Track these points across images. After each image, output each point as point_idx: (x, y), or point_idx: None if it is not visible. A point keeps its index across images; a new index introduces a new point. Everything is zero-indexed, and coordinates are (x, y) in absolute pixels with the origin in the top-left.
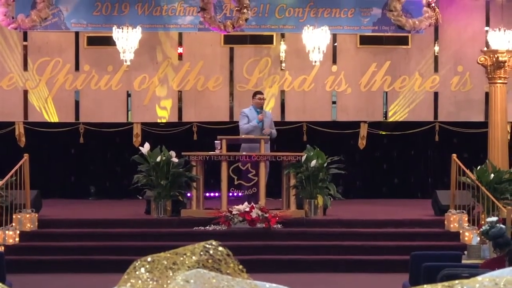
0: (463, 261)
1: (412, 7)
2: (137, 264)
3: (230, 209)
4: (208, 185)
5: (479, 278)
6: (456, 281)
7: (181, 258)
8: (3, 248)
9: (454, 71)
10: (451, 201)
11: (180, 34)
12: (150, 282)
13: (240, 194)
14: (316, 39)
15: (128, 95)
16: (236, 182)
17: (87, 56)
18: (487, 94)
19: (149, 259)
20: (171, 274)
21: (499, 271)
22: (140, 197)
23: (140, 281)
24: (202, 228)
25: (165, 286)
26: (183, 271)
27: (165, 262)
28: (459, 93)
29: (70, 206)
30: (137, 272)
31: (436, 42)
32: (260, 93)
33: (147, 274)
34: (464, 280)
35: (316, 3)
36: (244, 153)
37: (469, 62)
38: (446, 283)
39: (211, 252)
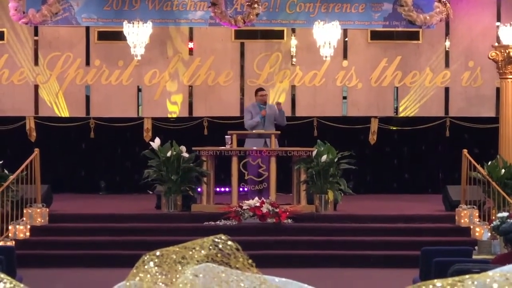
0: (474, 257)
1: (423, 2)
2: (145, 258)
3: (240, 204)
4: (219, 180)
5: (490, 273)
6: (467, 276)
7: (190, 252)
8: (14, 242)
9: (465, 66)
10: (461, 197)
11: (190, 29)
12: (159, 276)
13: (246, 189)
14: (327, 34)
15: (139, 90)
16: (246, 177)
17: (97, 51)
18: (498, 90)
19: (157, 253)
20: (180, 268)
21: (510, 266)
22: (151, 192)
23: (149, 275)
24: (213, 223)
25: (174, 280)
26: (192, 265)
27: (174, 256)
28: (470, 88)
29: (80, 201)
30: (145, 266)
31: (447, 37)
32: (262, 89)
33: (156, 268)
34: (475, 275)
35: None
36: (255, 148)
37: (480, 57)
38: (456, 278)
39: (220, 246)
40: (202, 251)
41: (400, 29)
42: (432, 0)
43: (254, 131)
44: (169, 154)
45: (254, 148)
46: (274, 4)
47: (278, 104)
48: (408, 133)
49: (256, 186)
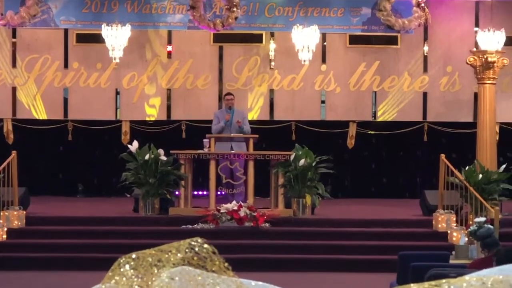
0: (451, 261)
1: (401, 7)
2: (121, 261)
3: (218, 207)
4: (196, 183)
5: (466, 277)
6: (443, 280)
7: (166, 255)
8: None
9: (443, 71)
10: (439, 201)
11: (169, 32)
12: (135, 279)
13: (223, 193)
14: (305, 38)
15: (117, 92)
16: (224, 181)
17: (76, 53)
18: (476, 95)
19: (133, 256)
20: (156, 271)
21: (486, 270)
22: (128, 195)
23: (124, 278)
24: (190, 226)
25: (149, 283)
26: (168, 268)
27: (150, 259)
28: (448, 93)
29: (58, 204)
30: (121, 269)
31: (426, 42)
32: (229, 94)
33: (132, 271)
34: (451, 280)
35: (305, 2)
36: (233, 151)
37: (458, 62)
38: (433, 283)
39: (196, 249)
40: (178, 254)
41: (378, 33)
42: (411, 5)
43: (232, 135)
44: (147, 157)
45: (232, 151)
46: (253, 8)
47: (238, 122)
48: (386, 137)
49: (234, 190)
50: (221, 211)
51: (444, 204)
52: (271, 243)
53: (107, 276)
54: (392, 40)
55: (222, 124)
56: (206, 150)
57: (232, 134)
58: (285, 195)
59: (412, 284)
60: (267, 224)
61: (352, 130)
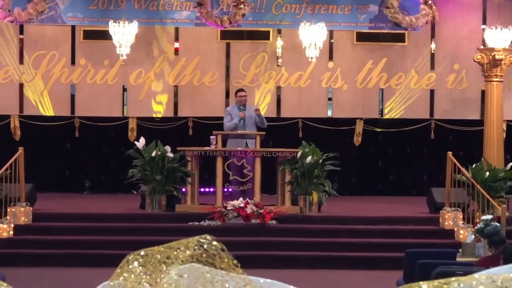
0: (458, 259)
1: (409, 4)
2: (130, 258)
3: (225, 204)
4: (203, 180)
5: (476, 275)
6: (453, 278)
7: (175, 252)
8: None
9: (450, 69)
10: (446, 199)
11: (176, 29)
12: (143, 276)
13: (230, 190)
14: (312, 35)
15: (124, 89)
16: (231, 178)
17: (83, 50)
18: (483, 92)
19: (142, 253)
20: (164, 268)
21: (496, 268)
22: (135, 192)
23: (133, 275)
24: (197, 223)
25: (158, 280)
26: (176, 265)
27: (159, 256)
28: (455, 91)
29: (64, 200)
30: (130, 266)
31: (433, 39)
32: (241, 90)
33: (140, 268)
34: (461, 278)
35: None
36: (239, 148)
37: (466, 60)
38: (442, 280)
39: (205, 246)
40: (187, 251)
41: (386, 31)
42: (418, 2)
43: (238, 131)
44: (153, 154)
45: (239, 148)
46: (260, 5)
47: (257, 110)
48: (393, 135)
49: (241, 187)
50: (228, 208)
51: (451, 201)
52: (277, 240)
53: (115, 273)
54: (399, 38)
55: (235, 121)
56: (213, 147)
57: (239, 131)
58: (292, 192)
59: (421, 282)
60: (273, 221)
61: (359, 127)
